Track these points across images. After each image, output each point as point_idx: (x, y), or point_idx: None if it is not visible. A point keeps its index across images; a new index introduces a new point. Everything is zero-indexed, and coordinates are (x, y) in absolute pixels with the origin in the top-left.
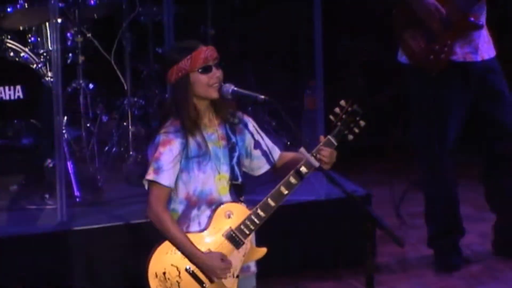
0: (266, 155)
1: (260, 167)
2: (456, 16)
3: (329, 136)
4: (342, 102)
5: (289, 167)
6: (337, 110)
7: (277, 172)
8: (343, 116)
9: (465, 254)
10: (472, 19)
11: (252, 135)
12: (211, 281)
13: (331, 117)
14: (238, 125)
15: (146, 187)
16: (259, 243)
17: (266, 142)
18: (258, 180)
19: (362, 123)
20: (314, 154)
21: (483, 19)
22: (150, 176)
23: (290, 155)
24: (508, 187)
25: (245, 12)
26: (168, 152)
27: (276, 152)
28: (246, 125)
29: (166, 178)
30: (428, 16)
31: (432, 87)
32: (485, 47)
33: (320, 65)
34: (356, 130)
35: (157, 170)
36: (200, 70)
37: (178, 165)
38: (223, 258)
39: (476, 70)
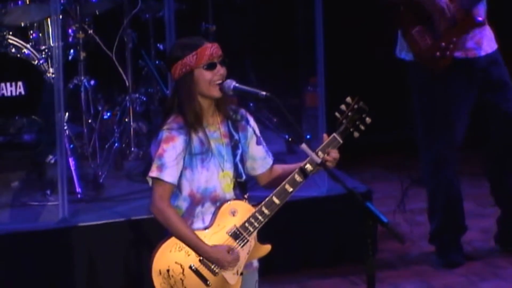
0: (261, 158)
1: (254, 168)
2: (460, 14)
3: (334, 134)
4: (348, 99)
5: (279, 180)
6: (342, 107)
7: (265, 184)
8: (349, 113)
9: (466, 250)
10: (479, 18)
11: (253, 133)
12: (215, 274)
13: (337, 114)
14: (240, 122)
15: (150, 183)
16: (260, 239)
17: (263, 146)
18: None
19: (368, 120)
20: (317, 152)
21: (483, 15)
22: (153, 173)
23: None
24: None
25: (246, 8)
26: (172, 149)
27: (267, 163)
28: (248, 122)
29: (169, 175)
30: (439, 13)
31: (436, 84)
32: (487, 42)
33: (321, 61)
34: (362, 127)
35: (161, 167)
36: (204, 67)
37: (181, 162)
38: (229, 250)
39: (480, 65)
